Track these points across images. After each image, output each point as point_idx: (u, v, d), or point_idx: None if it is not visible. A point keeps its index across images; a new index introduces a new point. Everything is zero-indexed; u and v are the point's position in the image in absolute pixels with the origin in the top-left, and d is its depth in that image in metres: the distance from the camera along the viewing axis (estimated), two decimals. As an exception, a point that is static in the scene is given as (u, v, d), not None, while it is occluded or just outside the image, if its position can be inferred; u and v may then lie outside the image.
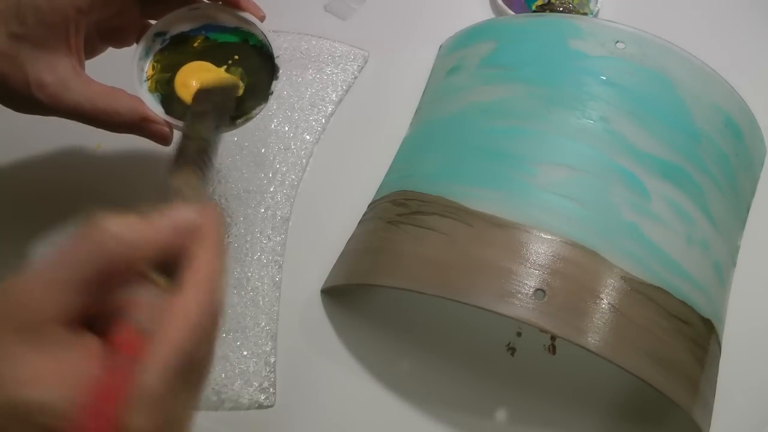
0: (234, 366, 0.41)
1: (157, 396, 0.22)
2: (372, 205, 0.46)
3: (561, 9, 0.56)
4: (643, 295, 0.37)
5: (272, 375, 0.41)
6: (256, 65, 0.38)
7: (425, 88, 0.51)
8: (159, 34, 0.38)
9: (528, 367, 0.42)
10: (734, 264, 0.44)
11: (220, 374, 0.40)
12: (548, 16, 0.49)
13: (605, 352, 0.35)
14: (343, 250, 0.44)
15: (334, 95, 0.52)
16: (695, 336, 0.38)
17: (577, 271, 0.36)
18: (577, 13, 0.56)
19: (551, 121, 0.41)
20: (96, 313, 0.24)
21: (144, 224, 0.24)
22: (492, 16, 0.57)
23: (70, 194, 0.46)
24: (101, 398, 0.21)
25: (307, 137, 0.50)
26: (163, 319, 0.23)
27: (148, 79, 0.38)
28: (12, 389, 0.21)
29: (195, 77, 0.37)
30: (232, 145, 0.48)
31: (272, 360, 0.41)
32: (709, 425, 0.39)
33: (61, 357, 0.22)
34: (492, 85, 0.44)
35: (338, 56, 0.53)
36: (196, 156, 0.30)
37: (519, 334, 0.43)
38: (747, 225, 0.46)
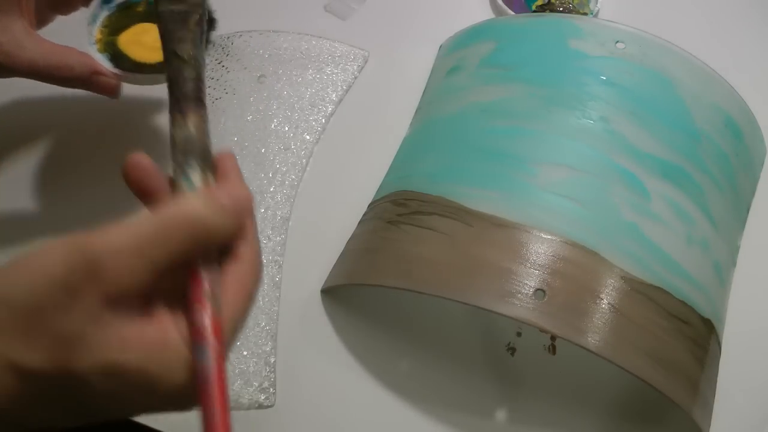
0: (234, 366, 0.41)
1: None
2: (372, 205, 0.46)
3: (561, 9, 0.56)
4: (643, 295, 0.37)
5: (272, 375, 0.41)
6: None
7: (425, 88, 0.51)
8: (106, 2, 0.42)
9: (528, 367, 0.42)
10: (734, 264, 0.44)
11: (220, 374, 0.40)
12: (548, 16, 0.49)
13: (605, 352, 0.35)
14: (343, 250, 0.44)
15: (334, 95, 0.52)
16: (695, 336, 0.38)
17: (577, 271, 0.36)
18: (577, 13, 0.56)
19: (551, 121, 0.41)
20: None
21: (224, 212, 0.27)
22: (492, 16, 0.57)
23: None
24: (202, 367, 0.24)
25: (307, 137, 0.50)
26: (228, 289, 0.26)
27: (96, 42, 0.41)
28: (106, 353, 0.23)
29: (141, 37, 0.41)
30: (232, 145, 0.48)
31: (272, 360, 0.41)
32: (709, 425, 0.39)
33: (142, 326, 0.24)
34: (492, 85, 0.44)
35: (338, 56, 0.53)
36: (193, 86, 0.30)
37: (519, 334, 0.43)
38: (747, 225, 0.46)
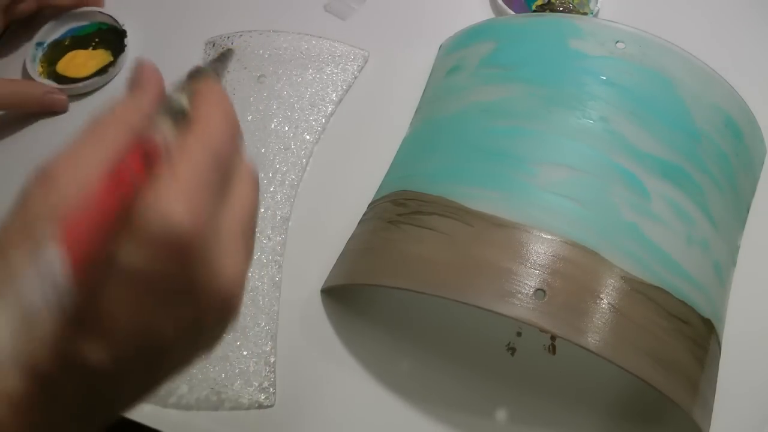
0: (234, 366, 0.41)
1: (187, 182, 0.21)
2: (372, 205, 0.46)
3: (561, 9, 0.56)
4: (643, 295, 0.37)
5: (272, 375, 0.41)
6: (113, 39, 0.55)
7: (425, 88, 0.51)
8: (39, 44, 0.54)
9: (528, 367, 0.42)
10: (734, 264, 0.44)
11: (220, 374, 0.40)
12: (548, 16, 0.49)
13: (605, 352, 0.35)
14: (343, 250, 0.44)
15: (334, 95, 0.52)
16: (695, 336, 0.38)
17: (577, 271, 0.36)
18: (577, 13, 0.56)
19: (551, 121, 0.41)
20: None
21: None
22: (492, 16, 0.57)
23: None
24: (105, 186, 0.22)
25: (307, 137, 0.50)
26: (184, 143, 0.23)
27: (40, 75, 0.52)
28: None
29: (73, 61, 0.53)
30: (232, 145, 0.48)
31: (272, 360, 0.41)
32: (709, 425, 0.38)
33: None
34: (492, 85, 0.44)
35: (338, 56, 0.53)
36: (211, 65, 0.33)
37: (519, 334, 0.43)
38: (747, 225, 0.46)
